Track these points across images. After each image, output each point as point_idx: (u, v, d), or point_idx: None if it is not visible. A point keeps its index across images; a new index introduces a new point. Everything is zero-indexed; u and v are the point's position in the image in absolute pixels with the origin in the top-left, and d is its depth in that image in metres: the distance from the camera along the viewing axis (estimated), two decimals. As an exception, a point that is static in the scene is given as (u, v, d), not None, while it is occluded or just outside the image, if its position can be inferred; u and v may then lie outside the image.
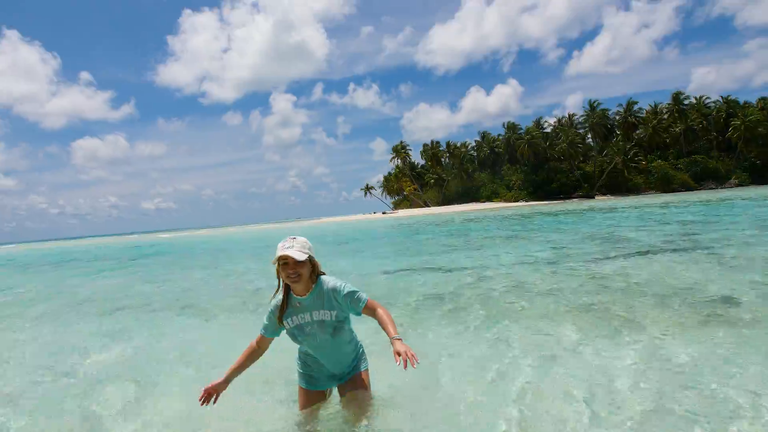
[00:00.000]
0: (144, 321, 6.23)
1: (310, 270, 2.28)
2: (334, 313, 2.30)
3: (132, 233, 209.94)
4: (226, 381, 2.39)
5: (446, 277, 7.90)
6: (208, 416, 2.77)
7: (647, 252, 8.87)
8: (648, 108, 77.32)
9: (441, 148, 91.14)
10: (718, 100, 74.52)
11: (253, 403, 3.00)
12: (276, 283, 2.37)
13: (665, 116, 74.75)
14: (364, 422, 2.42)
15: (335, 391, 2.62)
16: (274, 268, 2.31)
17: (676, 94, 74.02)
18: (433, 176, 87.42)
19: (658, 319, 4.31)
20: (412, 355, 2.03)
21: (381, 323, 2.25)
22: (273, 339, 2.46)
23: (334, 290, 2.30)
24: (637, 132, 76.11)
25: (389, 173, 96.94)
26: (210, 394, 2.35)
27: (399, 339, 2.13)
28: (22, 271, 18.58)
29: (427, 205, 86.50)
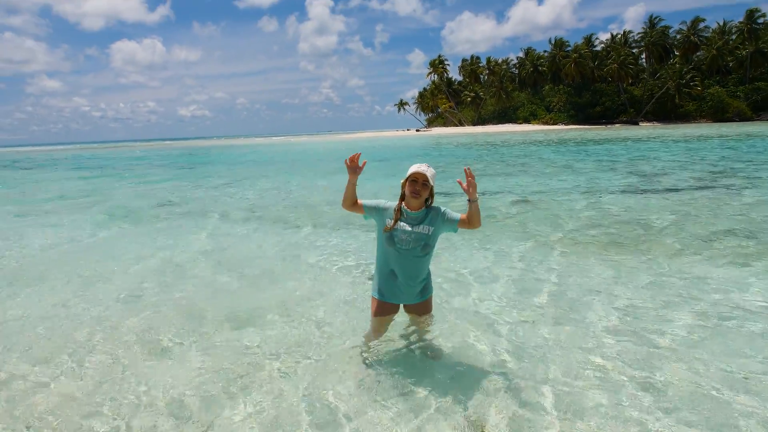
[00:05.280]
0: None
1: (428, 194, 2.68)
2: (432, 228, 2.70)
3: (175, 139, 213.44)
4: (355, 180, 2.74)
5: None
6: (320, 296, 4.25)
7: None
8: (715, 26, 70.25)
9: (481, 64, 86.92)
10: (799, 19, 66.60)
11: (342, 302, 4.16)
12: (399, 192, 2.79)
13: (733, 36, 67.99)
14: (426, 336, 3.14)
15: (401, 308, 2.98)
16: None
17: (751, 11, 66.43)
18: (471, 94, 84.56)
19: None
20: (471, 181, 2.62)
21: (469, 216, 2.68)
22: (362, 212, 2.81)
23: (439, 212, 2.73)
24: (698, 54, 70.03)
25: (424, 89, 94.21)
26: (353, 165, 2.72)
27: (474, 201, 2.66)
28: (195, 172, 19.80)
29: (462, 125, 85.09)
